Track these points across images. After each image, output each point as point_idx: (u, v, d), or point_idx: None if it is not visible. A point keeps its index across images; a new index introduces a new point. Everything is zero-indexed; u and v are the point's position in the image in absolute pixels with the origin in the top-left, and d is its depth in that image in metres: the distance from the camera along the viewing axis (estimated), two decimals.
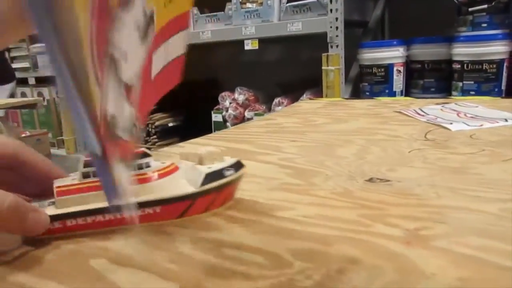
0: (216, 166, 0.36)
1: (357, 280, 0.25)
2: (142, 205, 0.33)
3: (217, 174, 0.35)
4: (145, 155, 0.35)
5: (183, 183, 0.35)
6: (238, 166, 0.37)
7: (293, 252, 0.29)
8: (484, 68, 1.45)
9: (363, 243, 0.29)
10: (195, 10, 1.78)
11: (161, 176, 0.35)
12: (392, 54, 1.60)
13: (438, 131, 0.60)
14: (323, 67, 1.63)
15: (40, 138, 2.23)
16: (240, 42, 1.75)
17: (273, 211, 0.36)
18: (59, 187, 0.33)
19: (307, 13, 1.63)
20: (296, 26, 1.63)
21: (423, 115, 0.68)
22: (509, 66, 1.44)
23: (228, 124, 2.07)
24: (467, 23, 1.46)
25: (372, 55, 1.60)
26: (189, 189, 0.34)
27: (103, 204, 0.32)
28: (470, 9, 1.44)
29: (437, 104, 0.76)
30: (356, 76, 1.72)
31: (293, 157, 0.52)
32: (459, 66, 1.49)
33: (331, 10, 1.56)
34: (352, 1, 1.63)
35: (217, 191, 0.35)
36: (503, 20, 1.42)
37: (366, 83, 1.65)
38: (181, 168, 0.37)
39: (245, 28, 1.70)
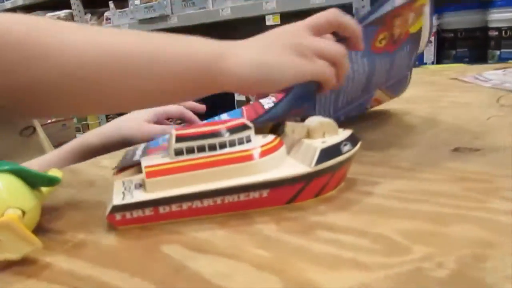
0: (330, 140, 0.29)
1: (502, 269, 0.20)
2: (245, 188, 0.27)
3: (334, 150, 0.28)
4: (245, 127, 0.29)
5: (291, 162, 0.29)
6: (353, 140, 0.30)
7: (403, 233, 0.24)
8: None
9: (487, 222, 0.24)
10: None
11: (265, 153, 0.28)
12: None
13: (511, 96, 0.53)
14: None
15: (66, 124, 2.20)
16: (261, 18, 1.67)
17: (357, 186, 0.31)
18: (148, 166, 0.27)
19: None
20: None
21: (485, 81, 0.61)
22: None
23: (251, 102, 2.00)
24: None
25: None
26: (302, 168, 0.28)
27: (202, 186, 0.27)
28: None
29: (497, 69, 0.69)
30: None
31: None
32: (496, 33, 1.39)
33: None
34: None
35: (333, 171, 0.29)
36: None
37: None
38: (286, 143, 0.30)
39: (266, 3, 1.62)
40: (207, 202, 0.27)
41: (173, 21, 1.80)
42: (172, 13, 1.80)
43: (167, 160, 0.28)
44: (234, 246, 0.24)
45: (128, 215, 0.27)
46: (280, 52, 0.33)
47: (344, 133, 0.30)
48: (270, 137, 0.29)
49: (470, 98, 0.54)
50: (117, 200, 0.27)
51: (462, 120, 0.45)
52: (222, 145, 0.28)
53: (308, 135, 0.30)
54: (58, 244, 0.26)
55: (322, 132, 0.29)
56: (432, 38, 1.54)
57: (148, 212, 0.27)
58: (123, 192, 0.28)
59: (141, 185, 0.28)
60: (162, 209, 0.27)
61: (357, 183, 0.31)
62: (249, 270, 0.22)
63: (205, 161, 0.27)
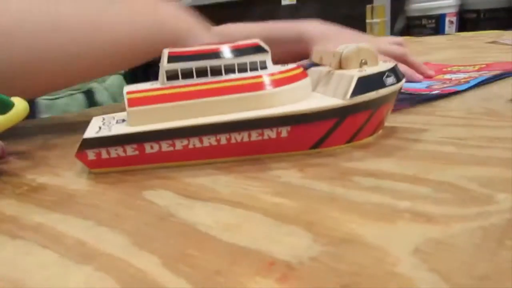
0: (369, 70, 0.22)
1: None
2: (259, 123, 0.20)
3: (375, 81, 0.21)
4: (259, 48, 0.21)
5: (318, 96, 0.22)
6: (397, 73, 0.23)
7: (477, 180, 0.17)
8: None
9: None
10: None
11: (284, 81, 0.21)
12: (444, 3, 1.41)
13: None
14: (367, 20, 1.46)
15: None
16: None
17: (398, 133, 0.24)
18: (131, 92, 0.21)
19: None
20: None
21: None
22: None
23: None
24: None
25: (422, 5, 1.42)
26: (333, 101, 0.21)
27: (201, 120, 0.20)
28: None
29: None
30: (403, 29, 1.54)
31: None
32: None
33: None
34: None
35: (373, 108, 0.22)
36: None
37: (415, 36, 1.47)
38: (311, 75, 0.23)
39: None
40: (208, 141, 0.20)
41: (188, 0, 1.73)
42: None
43: (157, 86, 0.21)
44: (243, 194, 0.17)
45: (104, 153, 0.20)
46: None
47: (386, 65, 0.23)
48: (291, 65, 0.23)
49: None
50: (90, 133, 0.20)
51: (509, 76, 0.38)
52: (229, 69, 0.21)
53: (341, 64, 0.23)
54: (10, 187, 0.20)
55: (359, 60, 0.22)
56: (454, 19, 1.45)
57: (130, 150, 0.20)
58: (100, 126, 0.21)
59: (125, 120, 0.22)
60: (149, 148, 0.20)
61: (398, 130, 0.24)
62: (264, 220, 0.15)
63: (206, 88, 0.20)
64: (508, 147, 0.20)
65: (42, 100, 0.51)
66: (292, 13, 2.07)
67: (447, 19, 1.42)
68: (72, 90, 0.54)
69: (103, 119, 0.23)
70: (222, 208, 0.16)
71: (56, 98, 0.52)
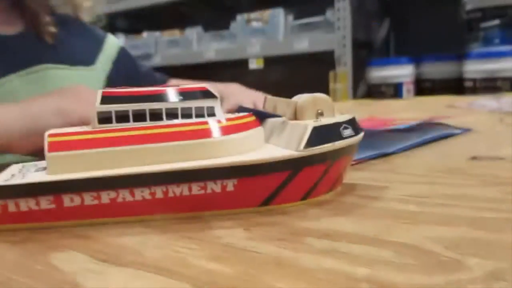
0: (325, 120, 0.20)
1: None
2: (201, 174, 0.17)
3: (330, 131, 0.19)
4: (207, 94, 0.19)
5: (271, 147, 0.20)
6: (355, 126, 0.21)
7: (442, 242, 0.15)
8: (497, 85, 1.34)
9: None
10: (199, 29, 1.68)
11: (232, 129, 0.18)
12: (402, 72, 1.49)
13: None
14: (330, 85, 1.51)
15: None
16: (245, 61, 1.64)
17: (357, 191, 0.22)
18: (53, 135, 0.17)
19: (313, 31, 1.53)
20: (303, 44, 1.52)
21: (482, 106, 0.55)
22: None
23: None
24: (479, 39, 1.36)
25: (381, 73, 1.49)
26: (286, 152, 0.18)
27: (134, 169, 0.17)
28: (481, 25, 1.34)
29: (489, 99, 0.64)
30: (364, 94, 1.60)
31: None
32: (471, 83, 1.38)
33: (338, 28, 1.46)
34: (357, 21, 1.54)
35: (330, 161, 0.19)
36: None
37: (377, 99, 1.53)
38: (265, 125, 0.21)
39: (250, 46, 1.59)
40: (141, 194, 0.17)
41: (157, 60, 1.75)
42: (156, 52, 1.76)
43: (85, 129, 0.18)
44: (173, 257, 0.14)
45: (11, 205, 0.16)
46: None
47: (343, 116, 0.21)
48: (242, 114, 0.21)
49: (471, 119, 0.47)
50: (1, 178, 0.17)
51: (471, 135, 0.38)
52: (171, 114, 0.18)
53: (296, 115, 0.21)
54: None
55: (315, 110, 0.20)
56: (411, 87, 1.53)
57: (45, 203, 0.17)
58: (14, 174, 0.18)
59: (46, 168, 0.18)
60: (68, 200, 0.17)
61: (356, 187, 0.22)
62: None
63: (142, 134, 0.18)
64: (473, 206, 0.18)
65: None
66: (259, 76, 2.14)
67: (404, 87, 1.49)
68: None
69: (23, 166, 0.19)
70: (142, 275, 0.13)
71: None
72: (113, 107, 0.18)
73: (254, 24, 1.61)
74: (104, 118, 0.18)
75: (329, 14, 1.50)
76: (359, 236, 0.16)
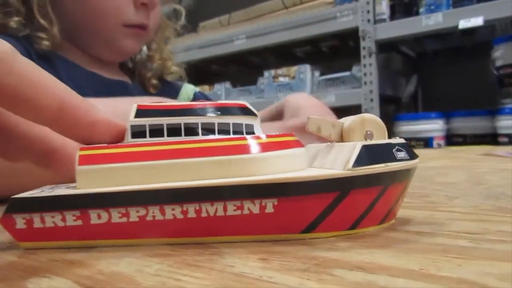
0: (375, 141, 0.18)
1: None
2: (237, 192, 0.15)
3: (383, 152, 0.17)
4: (246, 111, 0.18)
5: (313, 169, 0.18)
6: (409, 150, 0.19)
7: (507, 278, 0.11)
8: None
9: None
10: (227, 85, 1.72)
11: (272, 146, 0.17)
12: (432, 127, 1.46)
13: None
14: None
15: None
16: None
17: (403, 226, 0.19)
18: (85, 149, 0.16)
19: (340, 86, 1.54)
20: (329, 99, 1.53)
21: None
22: None
23: None
24: (511, 95, 1.33)
25: (411, 128, 1.46)
26: (331, 171, 0.16)
27: (168, 184, 0.15)
28: None
29: None
30: None
31: None
32: (506, 139, 1.32)
33: (365, 83, 1.46)
34: (384, 77, 1.54)
35: (384, 185, 0.17)
36: None
37: None
38: (308, 150, 0.19)
39: (277, 100, 1.62)
40: (172, 212, 0.15)
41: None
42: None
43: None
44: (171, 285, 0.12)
45: (37, 221, 0.15)
46: None
47: (395, 140, 0.19)
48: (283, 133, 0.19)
49: (509, 166, 0.43)
50: (25, 193, 0.15)
51: (508, 180, 0.34)
52: (208, 129, 0.17)
53: (342, 136, 0.19)
54: None
55: (364, 132, 0.18)
56: (442, 142, 1.49)
57: (71, 219, 0.15)
58: (44, 190, 0.16)
59: (72, 187, 0.17)
60: (95, 217, 0.15)
61: (395, 222, 0.19)
62: None
63: (176, 148, 0.16)
64: None
65: None
66: None
67: (435, 142, 1.45)
68: None
69: (56, 185, 0.18)
70: None
71: None
72: (147, 121, 0.17)
73: (281, 79, 1.64)
74: (138, 132, 0.17)
75: (355, 70, 1.51)
76: (401, 269, 0.13)
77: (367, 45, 1.44)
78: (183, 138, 0.17)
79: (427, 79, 1.65)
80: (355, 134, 0.18)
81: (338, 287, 0.11)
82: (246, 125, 0.17)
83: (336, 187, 0.16)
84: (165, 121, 0.17)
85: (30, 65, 0.15)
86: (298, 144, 0.18)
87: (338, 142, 0.19)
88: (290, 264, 0.13)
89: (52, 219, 0.15)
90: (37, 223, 0.15)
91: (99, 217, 0.15)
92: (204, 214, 0.15)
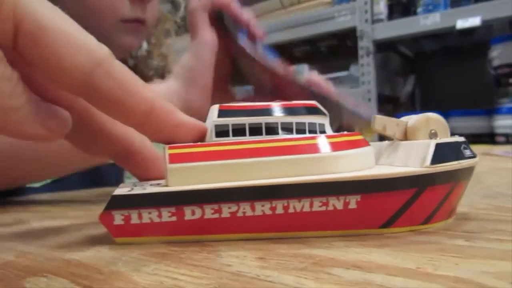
0: (444, 139, 0.18)
1: None
2: (323, 188, 0.16)
3: (453, 150, 0.18)
4: (318, 111, 0.19)
5: (383, 167, 0.18)
6: (471, 149, 0.19)
7: (505, 277, 0.11)
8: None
9: None
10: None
11: (347, 146, 0.17)
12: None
13: None
14: None
15: None
16: None
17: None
18: (173, 147, 0.17)
19: (338, 86, 1.54)
20: None
21: None
22: None
23: None
24: (509, 94, 1.33)
25: None
26: (409, 168, 0.17)
27: (259, 181, 0.16)
28: (510, 80, 1.32)
29: None
30: None
31: None
32: (503, 138, 1.33)
33: (362, 83, 1.46)
34: (382, 76, 1.54)
35: (455, 181, 0.18)
36: None
37: None
38: (373, 145, 0.20)
39: None
40: (261, 208, 0.16)
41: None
42: None
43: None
44: (169, 286, 0.12)
45: (134, 217, 0.16)
46: None
47: (458, 137, 0.19)
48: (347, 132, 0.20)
49: (507, 165, 0.43)
50: (121, 190, 0.16)
51: (507, 178, 0.34)
52: (286, 129, 0.18)
53: (406, 135, 0.19)
54: None
55: (428, 130, 0.19)
56: None
57: (166, 215, 0.16)
58: (133, 188, 0.17)
59: (159, 184, 0.18)
60: (189, 213, 0.16)
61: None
62: None
63: (260, 147, 0.17)
64: None
65: None
66: None
67: None
68: None
69: (134, 184, 0.19)
70: None
71: None
72: (230, 121, 0.18)
73: None
74: (222, 131, 0.18)
75: (353, 69, 1.51)
76: (398, 268, 0.13)
77: (365, 45, 1.44)
78: (264, 137, 0.17)
79: (424, 78, 1.66)
80: (420, 133, 0.19)
81: (335, 286, 0.11)
82: (319, 124, 0.19)
83: (415, 184, 0.17)
84: (247, 120, 0.18)
85: (124, 69, 0.16)
86: (366, 142, 0.19)
87: (401, 140, 0.19)
88: (287, 263, 0.13)
89: (149, 215, 0.16)
90: (134, 219, 0.16)
91: (193, 213, 0.16)
92: (291, 210, 0.16)
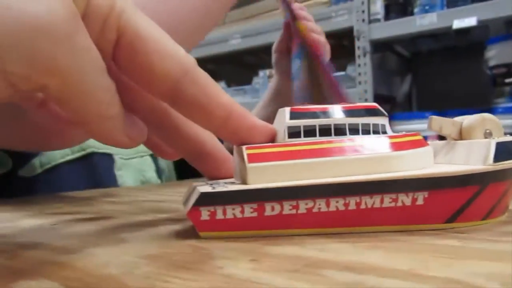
0: (502, 138, 0.19)
1: None
2: (393, 185, 0.17)
3: (510, 149, 0.19)
4: (379, 112, 0.20)
5: (442, 165, 0.19)
6: None
7: (496, 278, 0.12)
8: None
9: None
10: (222, 84, 1.72)
11: (411, 145, 0.19)
12: (425, 127, 1.46)
13: None
14: None
15: None
16: None
17: None
18: (251, 148, 0.18)
19: None
20: None
21: None
22: None
23: None
24: (505, 94, 1.34)
25: (406, 127, 1.47)
26: (472, 166, 0.18)
27: (332, 179, 0.17)
28: (506, 80, 1.32)
29: None
30: None
31: None
32: None
33: (359, 83, 1.46)
34: (379, 76, 1.54)
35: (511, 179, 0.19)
36: None
37: None
38: (432, 145, 0.21)
39: None
40: (336, 204, 0.17)
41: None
42: None
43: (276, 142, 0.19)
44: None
45: (219, 213, 0.17)
46: None
47: (510, 137, 0.20)
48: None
49: None
50: (205, 188, 0.17)
51: None
52: (353, 129, 0.19)
53: (461, 135, 0.20)
54: None
55: (483, 130, 0.20)
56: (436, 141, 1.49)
57: (248, 211, 0.17)
58: (214, 186, 0.18)
59: (233, 183, 0.19)
60: (269, 209, 0.17)
61: None
62: None
63: (332, 147, 0.18)
64: None
65: (118, 159, 0.49)
66: None
67: (429, 141, 1.45)
68: (141, 152, 0.53)
69: (206, 182, 0.20)
70: None
71: (129, 158, 0.51)
72: (302, 122, 0.19)
73: None
74: (294, 133, 0.19)
75: (349, 69, 1.51)
76: (390, 269, 0.13)
77: (361, 44, 1.44)
78: (333, 137, 0.19)
79: (421, 78, 1.66)
80: (476, 132, 0.20)
81: None
82: (381, 125, 0.19)
83: (479, 181, 0.18)
84: (317, 122, 0.19)
85: (207, 77, 0.17)
86: (426, 142, 0.20)
87: (457, 140, 0.20)
88: (280, 265, 0.13)
89: (233, 211, 0.17)
90: (219, 215, 0.17)
91: (272, 209, 0.17)
92: (363, 206, 0.17)
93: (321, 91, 0.47)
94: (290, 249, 0.15)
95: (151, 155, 0.55)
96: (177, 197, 0.33)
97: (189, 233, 0.18)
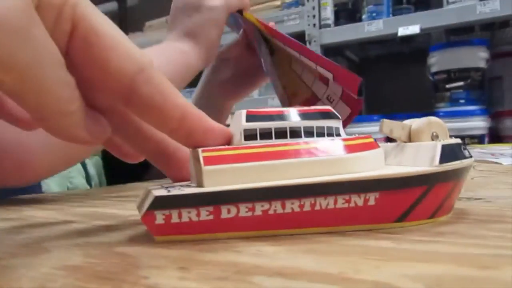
0: (447, 141, 0.20)
1: None
2: (346, 187, 0.18)
3: (456, 151, 0.20)
4: (333, 115, 0.20)
5: (392, 167, 0.20)
6: (468, 149, 0.22)
7: (422, 280, 0.12)
8: (465, 143, 1.37)
9: None
10: None
11: (363, 147, 0.19)
12: (374, 130, 1.51)
13: (485, 165, 0.46)
14: None
15: None
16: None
17: None
18: (206, 150, 0.18)
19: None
20: (274, 103, 1.54)
21: None
22: (490, 141, 1.37)
23: None
24: (446, 99, 1.42)
25: (354, 130, 1.51)
26: (419, 168, 0.19)
27: (288, 181, 0.17)
28: (447, 86, 1.40)
29: None
30: None
31: None
32: None
33: None
34: None
35: (457, 179, 0.20)
36: (480, 97, 1.39)
37: None
38: (383, 147, 0.22)
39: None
40: (291, 206, 0.17)
41: None
42: None
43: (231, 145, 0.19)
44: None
45: (175, 216, 0.16)
46: None
47: (456, 140, 0.21)
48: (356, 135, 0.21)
49: None
50: (160, 192, 0.17)
51: None
52: (308, 132, 0.19)
53: (410, 137, 0.21)
54: None
55: (430, 133, 0.21)
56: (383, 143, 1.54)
57: (204, 214, 0.17)
58: (169, 189, 0.17)
59: (189, 186, 0.18)
60: (225, 212, 0.17)
61: None
62: None
63: (287, 149, 0.18)
64: (454, 242, 0.16)
65: None
66: None
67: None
68: None
69: (161, 186, 0.19)
70: None
71: None
72: (258, 125, 0.19)
73: None
74: (250, 135, 0.19)
75: None
76: (320, 273, 0.12)
77: (313, 49, 1.47)
78: (288, 140, 0.19)
79: (370, 83, 1.72)
80: (424, 135, 0.21)
81: None
82: (335, 128, 0.20)
83: (426, 181, 0.19)
84: (273, 125, 0.19)
85: (161, 75, 0.17)
86: (377, 144, 0.20)
87: (406, 142, 0.21)
88: (209, 272, 0.13)
89: (188, 215, 0.16)
90: (174, 219, 0.16)
91: (228, 211, 0.17)
92: (317, 207, 0.17)
93: (295, 70, 0.47)
94: (224, 255, 0.15)
95: (80, 162, 0.52)
96: (112, 202, 0.32)
97: (121, 241, 0.17)
